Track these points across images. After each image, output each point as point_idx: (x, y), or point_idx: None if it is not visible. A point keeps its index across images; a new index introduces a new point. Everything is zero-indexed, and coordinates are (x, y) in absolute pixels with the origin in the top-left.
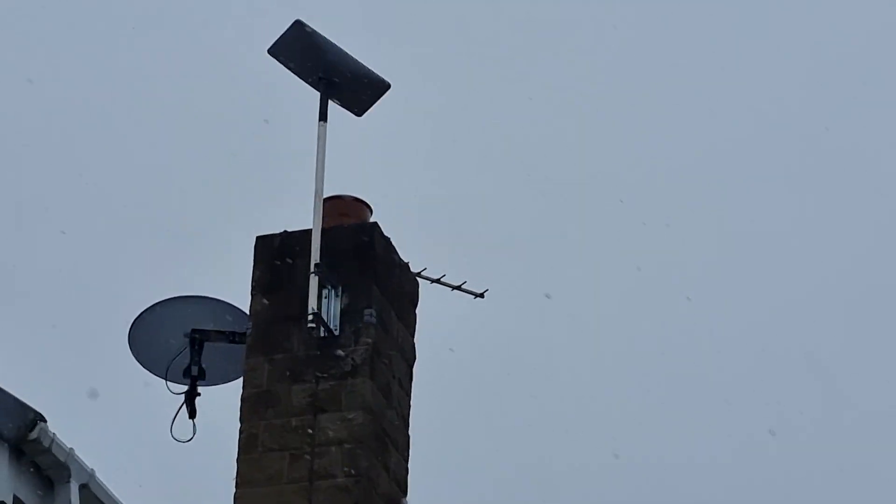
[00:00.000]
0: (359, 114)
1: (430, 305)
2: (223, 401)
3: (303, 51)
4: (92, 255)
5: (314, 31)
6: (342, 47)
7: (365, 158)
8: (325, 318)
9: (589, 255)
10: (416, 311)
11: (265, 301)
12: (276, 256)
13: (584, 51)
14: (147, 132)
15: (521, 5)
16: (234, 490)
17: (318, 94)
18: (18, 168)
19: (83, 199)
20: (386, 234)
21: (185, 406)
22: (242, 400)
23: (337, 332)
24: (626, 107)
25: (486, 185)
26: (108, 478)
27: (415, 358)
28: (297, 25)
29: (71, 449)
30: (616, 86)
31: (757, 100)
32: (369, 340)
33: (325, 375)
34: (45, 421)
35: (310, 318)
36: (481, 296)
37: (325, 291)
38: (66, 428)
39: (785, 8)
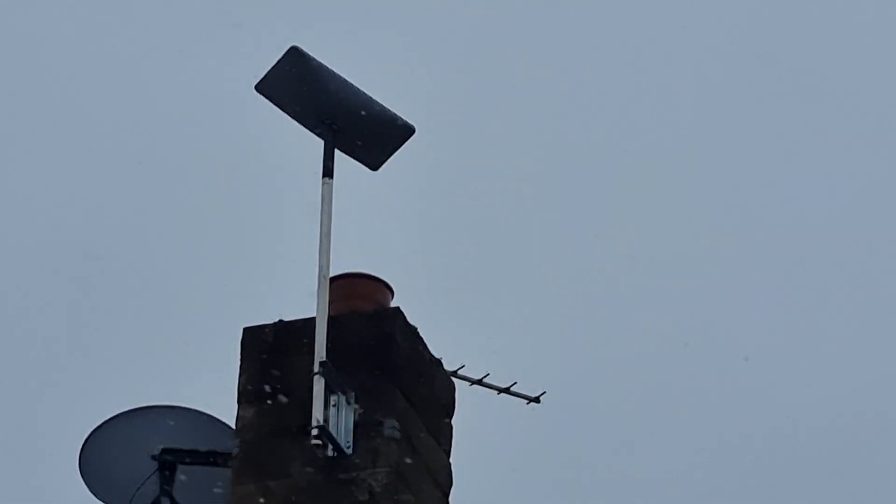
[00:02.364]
0: (374, 167)
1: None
2: None
3: (301, 86)
4: (35, 355)
5: (316, 62)
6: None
7: (381, 223)
8: (333, 433)
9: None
10: (452, 421)
11: (256, 411)
12: (270, 353)
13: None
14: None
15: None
16: None
17: (321, 142)
18: None
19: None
20: (412, 322)
21: None
22: None
23: (350, 451)
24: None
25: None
26: None
27: (451, 483)
28: (294, 53)
29: None
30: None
31: None
32: (391, 461)
33: None
34: None
35: (314, 432)
36: (537, 400)
37: (333, 398)
38: None
39: None
